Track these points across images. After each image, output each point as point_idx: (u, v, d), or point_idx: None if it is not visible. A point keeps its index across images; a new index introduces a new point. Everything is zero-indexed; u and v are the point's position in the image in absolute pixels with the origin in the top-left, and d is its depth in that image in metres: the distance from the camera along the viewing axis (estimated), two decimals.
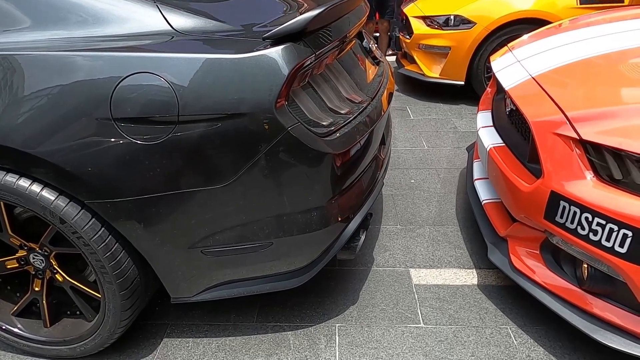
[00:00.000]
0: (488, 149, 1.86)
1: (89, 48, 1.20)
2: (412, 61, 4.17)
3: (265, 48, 1.21)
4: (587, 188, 1.33)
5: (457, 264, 2.00)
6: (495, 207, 1.88)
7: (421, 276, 1.93)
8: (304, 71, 1.28)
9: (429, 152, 3.07)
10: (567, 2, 3.54)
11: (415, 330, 1.66)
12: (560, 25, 2.30)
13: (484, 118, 2.13)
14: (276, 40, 1.23)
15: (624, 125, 1.31)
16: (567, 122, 1.40)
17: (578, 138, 1.36)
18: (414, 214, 2.37)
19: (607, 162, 1.31)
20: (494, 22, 3.58)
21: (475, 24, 3.65)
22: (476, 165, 2.24)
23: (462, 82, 3.86)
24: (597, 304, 1.41)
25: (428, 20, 3.95)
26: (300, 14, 1.25)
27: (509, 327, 1.66)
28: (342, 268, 1.98)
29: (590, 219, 1.30)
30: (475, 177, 2.17)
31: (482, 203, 1.97)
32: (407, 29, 4.16)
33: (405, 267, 1.98)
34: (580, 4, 3.49)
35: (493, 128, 2.00)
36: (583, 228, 1.32)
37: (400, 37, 4.41)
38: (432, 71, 3.98)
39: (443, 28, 3.82)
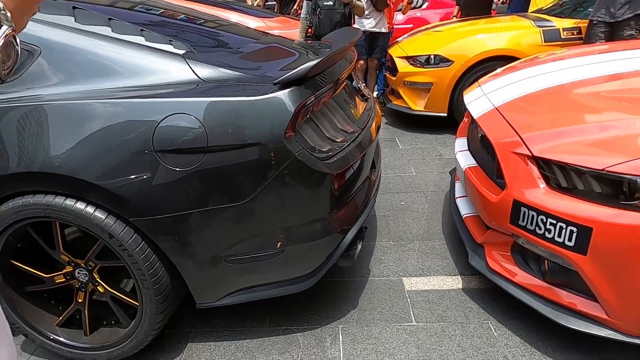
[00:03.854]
0: (464, 169, 2.17)
1: (135, 96, 1.51)
2: (399, 96, 4.55)
3: (275, 91, 1.52)
4: (541, 195, 1.62)
5: (444, 272, 2.25)
6: (474, 220, 2.16)
7: (412, 283, 2.18)
8: (306, 108, 1.59)
9: (417, 177, 3.37)
10: (533, 40, 3.97)
11: (409, 327, 1.90)
12: (521, 63, 2.66)
13: (460, 143, 2.45)
14: (284, 85, 1.54)
15: (566, 143, 1.62)
16: (522, 143, 1.71)
17: (531, 155, 1.66)
18: (404, 231, 2.64)
19: (555, 173, 1.61)
20: (470, 59, 3.99)
21: (453, 62, 4.05)
22: (457, 185, 2.54)
23: (445, 114, 4.22)
24: (560, 294, 1.67)
25: (411, 59, 4.35)
26: (303, 63, 1.57)
27: (490, 322, 1.91)
28: (343, 279, 2.22)
29: (544, 220, 1.59)
30: (456, 195, 2.46)
31: (463, 217, 2.25)
32: (392, 68, 4.57)
33: (398, 277, 2.23)
34: (545, 42, 3.92)
35: (468, 152, 2.31)
36: (540, 228, 1.61)
37: (387, 75, 4.82)
38: (417, 105, 4.35)
39: (424, 66, 4.22)
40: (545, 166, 1.64)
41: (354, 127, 1.89)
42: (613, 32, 3.61)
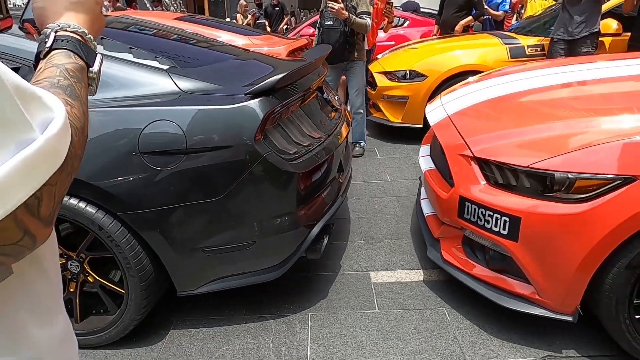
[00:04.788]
0: (424, 172, 2.39)
1: (124, 105, 1.73)
2: (379, 109, 4.80)
3: (246, 101, 1.75)
4: (481, 191, 1.84)
5: (408, 267, 2.46)
6: (433, 218, 2.37)
7: (379, 277, 2.38)
8: (274, 116, 1.81)
9: (391, 184, 3.60)
10: (500, 56, 4.26)
11: (371, 314, 2.09)
12: (479, 77, 2.92)
13: (424, 150, 2.69)
14: (254, 95, 1.77)
15: (502, 144, 1.86)
16: (466, 145, 1.94)
17: (472, 156, 1.89)
18: (375, 231, 2.85)
19: (492, 171, 1.84)
20: (442, 74, 4.26)
21: (427, 76, 4.32)
22: (423, 189, 2.76)
23: (421, 125, 4.46)
24: (503, 280, 1.88)
25: (389, 75, 4.62)
26: (271, 76, 1.80)
27: (444, 308, 2.11)
28: (314, 274, 2.42)
29: (484, 212, 1.81)
30: (421, 197, 2.68)
31: (425, 216, 2.46)
32: (373, 82, 4.84)
33: (366, 271, 2.43)
34: (511, 58, 4.21)
35: (429, 157, 2.54)
36: (481, 220, 1.82)
37: (367, 89, 5.08)
38: (395, 117, 4.60)
39: (401, 81, 4.49)
40: (485, 165, 1.87)
41: (320, 133, 2.11)
42: (572, 49, 3.90)
